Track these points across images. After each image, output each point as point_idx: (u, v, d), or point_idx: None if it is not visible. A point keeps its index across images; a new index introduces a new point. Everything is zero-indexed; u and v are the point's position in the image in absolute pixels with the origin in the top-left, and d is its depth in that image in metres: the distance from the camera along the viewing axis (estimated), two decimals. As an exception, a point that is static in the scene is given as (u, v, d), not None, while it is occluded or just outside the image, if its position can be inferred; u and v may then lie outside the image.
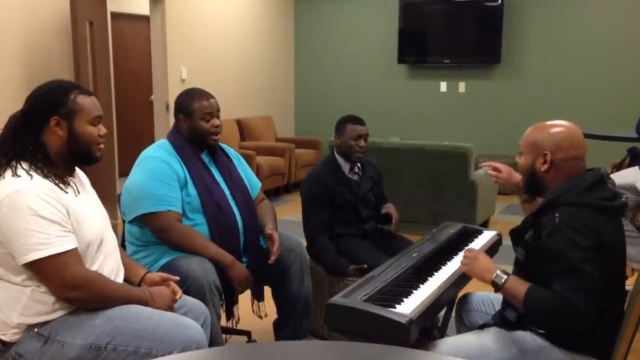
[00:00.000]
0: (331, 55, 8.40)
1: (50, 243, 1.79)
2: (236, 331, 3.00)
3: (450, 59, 7.60)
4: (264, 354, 1.62)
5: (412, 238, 3.14)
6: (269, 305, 2.87)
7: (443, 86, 7.79)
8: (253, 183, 2.87)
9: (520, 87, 7.38)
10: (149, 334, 1.86)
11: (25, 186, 1.80)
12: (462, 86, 7.68)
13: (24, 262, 1.78)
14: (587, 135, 4.38)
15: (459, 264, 2.36)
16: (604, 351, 1.88)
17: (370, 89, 8.19)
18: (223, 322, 2.65)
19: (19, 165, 1.86)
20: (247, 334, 3.12)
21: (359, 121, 3.15)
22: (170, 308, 2.04)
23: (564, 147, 1.92)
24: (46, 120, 1.91)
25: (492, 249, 2.80)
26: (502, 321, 2.03)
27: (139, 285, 2.14)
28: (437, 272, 2.30)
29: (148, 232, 2.52)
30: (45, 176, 1.86)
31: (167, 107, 6.32)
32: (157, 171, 2.52)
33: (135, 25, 8.03)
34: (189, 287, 2.32)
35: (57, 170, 1.91)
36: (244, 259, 2.64)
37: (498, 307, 2.16)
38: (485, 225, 5.49)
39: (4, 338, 1.86)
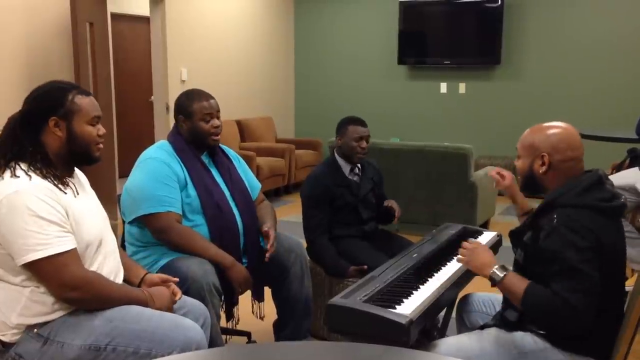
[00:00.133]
0: (331, 57, 8.40)
1: (49, 243, 1.78)
2: (236, 332, 3.00)
3: (450, 60, 7.60)
4: (264, 354, 1.62)
5: (412, 239, 3.14)
6: (269, 306, 2.87)
7: (443, 87, 7.79)
8: (253, 184, 2.87)
9: (520, 88, 7.38)
10: (148, 335, 1.86)
11: (24, 187, 1.80)
12: (462, 87, 7.69)
13: (23, 262, 1.78)
14: (587, 137, 4.41)
15: (459, 265, 2.36)
16: (603, 352, 1.88)
17: (371, 90, 8.19)
18: (223, 323, 2.65)
19: (17, 166, 1.86)
20: (247, 334, 3.12)
21: (360, 122, 3.15)
22: (170, 309, 2.04)
23: (561, 148, 1.92)
24: (45, 121, 1.91)
25: (492, 250, 2.80)
26: (502, 322, 2.03)
27: (139, 286, 2.14)
28: (437, 272, 2.30)
29: (148, 233, 2.52)
30: (44, 177, 1.86)
31: (167, 108, 6.32)
32: (157, 172, 2.51)
33: (136, 26, 8.03)
34: (189, 288, 2.31)
35: (56, 170, 1.91)
36: (243, 260, 2.63)
37: (499, 307, 2.16)
38: (486, 226, 5.48)
39: (3, 339, 1.86)
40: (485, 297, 2.35)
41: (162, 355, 1.81)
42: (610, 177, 2.03)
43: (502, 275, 1.89)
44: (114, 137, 6.35)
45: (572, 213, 1.83)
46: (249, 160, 6.00)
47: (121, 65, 7.87)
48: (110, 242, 2.06)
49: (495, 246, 2.84)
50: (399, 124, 8.04)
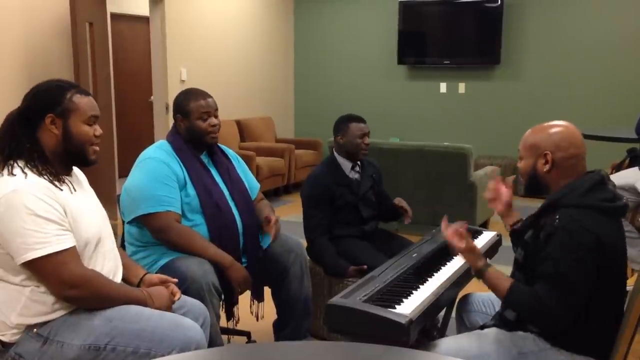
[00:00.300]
0: (331, 57, 8.40)
1: (48, 242, 1.78)
2: (236, 332, 3.00)
3: (450, 59, 7.60)
4: (264, 354, 1.62)
5: (412, 239, 3.14)
6: (269, 305, 2.87)
7: (443, 87, 7.79)
8: (252, 184, 2.87)
9: (520, 87, 7.38)
10: (148, 335, 1.86)
11: (22, 185, 1.80)
12: (461, 87, 7.69)
13: (22, 261, 1.78)
14: (587, 136, 4.40)
15: (459, 265, 2.36)
16: (603, 352, 1.88)
17: (370, 90, 8.19)
18: (223, 322, 2.65)
19: (15, 164, 1.85)
20: (247, 334, 3.12)
21: (360, 119, 3.16)
22: (169, 308, 2.04)
23: (563, 146, 1.93)
24: (42, 118, 1.91)
25: (492, 250, 2.80)
26: (502, 322, 2.03)
27: (138, 286, 2.14)
28: (436, 272, 2.30)
29: (147, 232, 2.52)
30: (40, 174, 1.86)
31: (167, 108, 6.32)
32: (156, 172, 2.51)
33: (135, 26, 8.03)
34: (188, 287, 2.31)
35: (53, 168, 1.90)
36: (243, 260, 2.63)
37: (498, 307, 2.16)
38: (485, 226, 5.48)
39: (3, 338, 1.86)
40: (485, 297, 2.35)
41: (162, 355, 1.81)
42: (610, 177, 2.03)
43: (489, 266, 1.98)
44: (113, 137, 6.34)
45: (575, 213, 1.84)
46: (248, 160, 6.00)
47: (121, 65, 7.87)
48: (109, 241, 2.06)
49: (495, 246, 2.84)
50: (399, 124, 8.04)
